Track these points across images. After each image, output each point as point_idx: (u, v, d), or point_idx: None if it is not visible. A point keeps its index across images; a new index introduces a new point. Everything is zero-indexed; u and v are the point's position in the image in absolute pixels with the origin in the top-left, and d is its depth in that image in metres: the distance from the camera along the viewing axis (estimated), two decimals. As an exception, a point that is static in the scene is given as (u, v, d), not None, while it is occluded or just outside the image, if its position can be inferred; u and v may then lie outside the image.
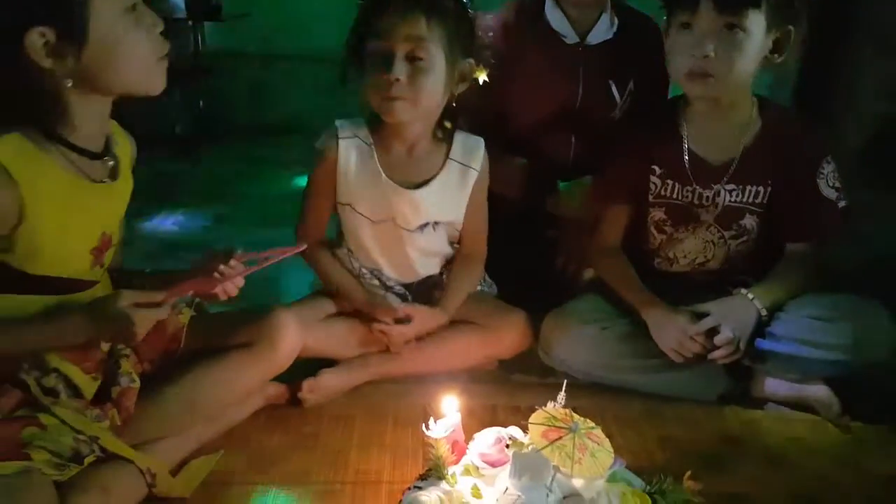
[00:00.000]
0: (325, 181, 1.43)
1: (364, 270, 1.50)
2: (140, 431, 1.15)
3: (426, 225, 1.44)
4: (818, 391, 1.40)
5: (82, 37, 0.97)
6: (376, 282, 1.50)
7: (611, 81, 1.68)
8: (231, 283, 1.13)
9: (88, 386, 1.12)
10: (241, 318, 1.31)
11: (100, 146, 1.10)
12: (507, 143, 1.71)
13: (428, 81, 1.31)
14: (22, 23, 0.94)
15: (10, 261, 1.03)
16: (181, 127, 3.50)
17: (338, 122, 1.43)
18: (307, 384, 1.37)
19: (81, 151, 1.05)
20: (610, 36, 1.68)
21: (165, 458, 1.17)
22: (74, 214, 1.06)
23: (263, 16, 3.71)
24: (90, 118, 1.05)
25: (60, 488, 1.00)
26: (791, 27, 1.33)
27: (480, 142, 1.46)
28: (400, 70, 1.29)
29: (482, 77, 1.39)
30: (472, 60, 1.37)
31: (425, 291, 1.51)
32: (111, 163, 1.11)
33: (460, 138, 1.44)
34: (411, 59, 1.29)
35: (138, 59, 1.03)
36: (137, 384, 1.16)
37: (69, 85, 1.00)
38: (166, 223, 2.48)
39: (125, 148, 1.18)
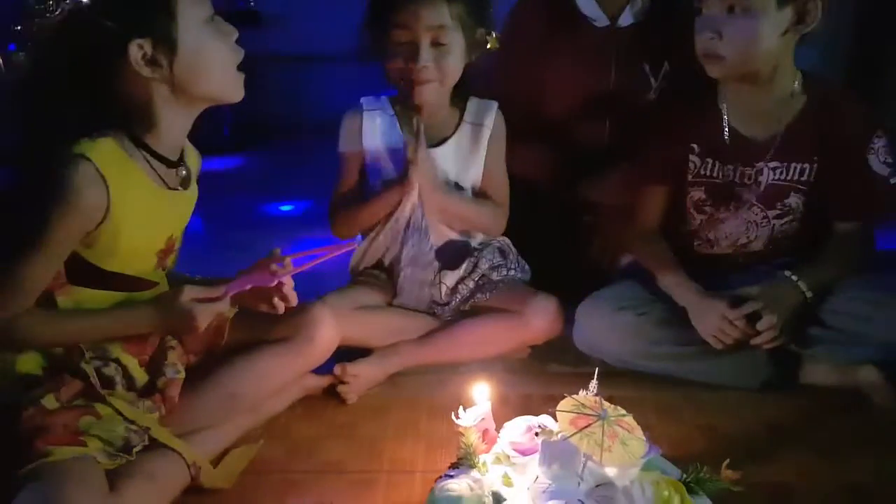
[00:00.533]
0: (352, 151, 1.48)
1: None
2: (183, 422, 1.19)
3: (446, 184, 1.46)
4: (868, 375, 1.33)
5: (174, 46, 1.05)
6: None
7: (644, 64, 1.64)
8: (289, 288, 1.17)
9: (142, 377, 1.17)
10: (279, 314, 1.34)
11: (177, 156, 1.16)
12: (541, 129, 1.70)
13: (451, 62, 1.37)
14: (124, 37, 1.02)
15: (88, 256, 1.10)
16: (228, 127, 3.59)
17: (363, 99, 1.50)
18: (339, 367, 1.39)
19: (161, 159, 1.12)
20: (641, 17, 1.64)
21: (207, 447, 1.20)
22: (149, 218, 1.12)
23: (302, 18, 3.77)
24: (174, 129, 1.13)
25: (109, 475, 1.04)
26: None
27: (493, 104, 1.50)
28: (427, 58, 1.34)
29: (494, 45, 1.46)
30: (483, 30, 1.42)
31: (453, 259, 1.51)
32: (184, 172, 1.18)
33: (474, 103, 1.49)
34: (434, 44, 1.34)
35: (221, 66, 1.11)
36: (182, 375, 1.20)
37: (168, 92, 1.08)
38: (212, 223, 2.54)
39: (193, 160, 1.24)
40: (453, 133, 1.47)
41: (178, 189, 1.17)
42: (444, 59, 1.35)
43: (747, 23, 1.27)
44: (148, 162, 1.11)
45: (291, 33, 3.83)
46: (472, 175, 1.49)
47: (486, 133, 1.47)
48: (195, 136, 1.21)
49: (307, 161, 3.23)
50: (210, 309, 1.11)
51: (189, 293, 1.10)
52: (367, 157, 1.48)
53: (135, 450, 1.07)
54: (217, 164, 3.24)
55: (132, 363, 1.16)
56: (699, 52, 1.34)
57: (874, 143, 1.36)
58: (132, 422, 1.09)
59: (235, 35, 1.12)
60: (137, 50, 1.03)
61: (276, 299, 1.17)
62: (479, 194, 1.52)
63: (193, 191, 1.23)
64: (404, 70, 1.36)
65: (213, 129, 3.51)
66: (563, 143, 1.70)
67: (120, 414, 1.08)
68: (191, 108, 1.13)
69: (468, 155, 1.47)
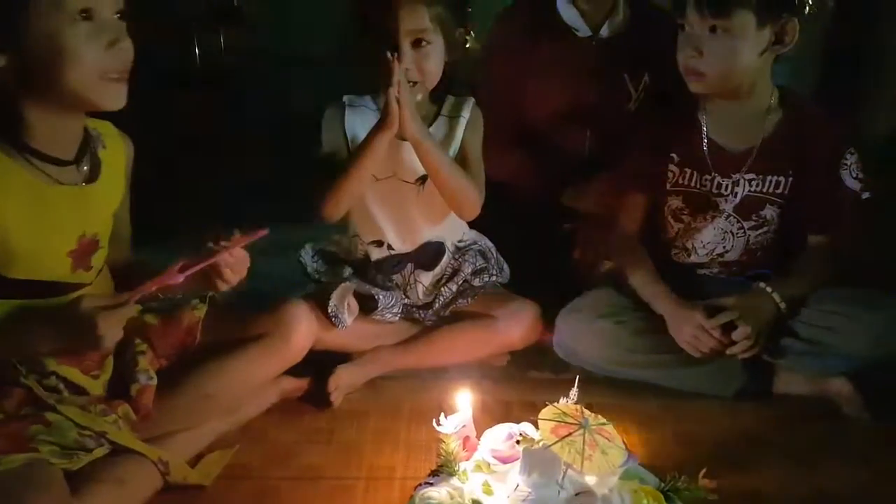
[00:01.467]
0: (337, 140, 1.44)
1: (370, 246, 1.50)
2: (156, 424, 1.17)
3: (426, 178, 1.43)
4: (840, 386, 1.36)
5: (14, 34, 0.95)
6: (381, 254, 1.50)
7: (625, 75, 1.66)
8: (227, 265, 1.08)
9: (90, 384, 1.13)
10: (253, 311, 1.33)
11: (70, 153, 1.07)
12: (522, 136, 1.71)
13: (432, 63, 1.36)
14: None
15: None
16: (211, 128, 3.55)
17: (346, 97, 1.47)
18: (332, 383, 1.38)
19: (45, 158, 1.03)
20: (623, 29, 1.66)
21: (181, 451, 1.18)
22: (44, 218, 1.04)
23: (288, 18, 3.73)
24: (52, 127, 1.03)
25: (75, 481, 1.01)
26: (793, 18, 1.30)
27: (470, 99, 1.49)
28: (408, 60, 1.33)
29: (474, 45, 1.45)
30: (462, 30, 1.41)
31: (428, 258, 1.50)
32: (85, 167, 1.09)
33: (449, 100, 1.48)
34: (415, 44, 1.33)
35: (84, 71, 0.98)
36: (155, 381, 1.18)
37: (20, 85, 0.98)
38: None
39: (116, 151, 1.16)
40: (430, 126, 1.45)
41: (79, 185, 1.08)
42: (424, 60, 1.34)
43: (728, 43, 1.30)
44: (30, 161, 1.02)
45: (276, 33, 3.80)
46: None
47: (462, 122, 1.46)
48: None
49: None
50: (113, 316, 0.99)
51: (88, 302, 0.99)
52: (348, 151, 1.44)
53: (95, 451, 1.05)
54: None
55: (72, 373, 1.10)
56: (681, 68, 1.37)
57: (847, 158, 1.40)
58: (85, 427, 1.06)
59: (122, 43, 1.00)
60: None
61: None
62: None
63: (112, 183, 1.14)
64: (385, 73, 1.31)
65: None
66: (544, 150, 1.71)
67: (70, 420, 1.05)
68: (66, 106, 1.02)
69: (443, 143, 1.45)
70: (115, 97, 1.02)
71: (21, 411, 1.04)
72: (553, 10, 1.68)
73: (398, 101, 1.28)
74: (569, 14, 1.66)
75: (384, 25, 1.31)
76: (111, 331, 1.00)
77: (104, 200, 1.14)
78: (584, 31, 1.66)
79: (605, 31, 1.66)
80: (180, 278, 1.05)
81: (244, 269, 1.12)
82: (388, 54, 1.27)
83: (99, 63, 0.99)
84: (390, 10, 1.30)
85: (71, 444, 1.03)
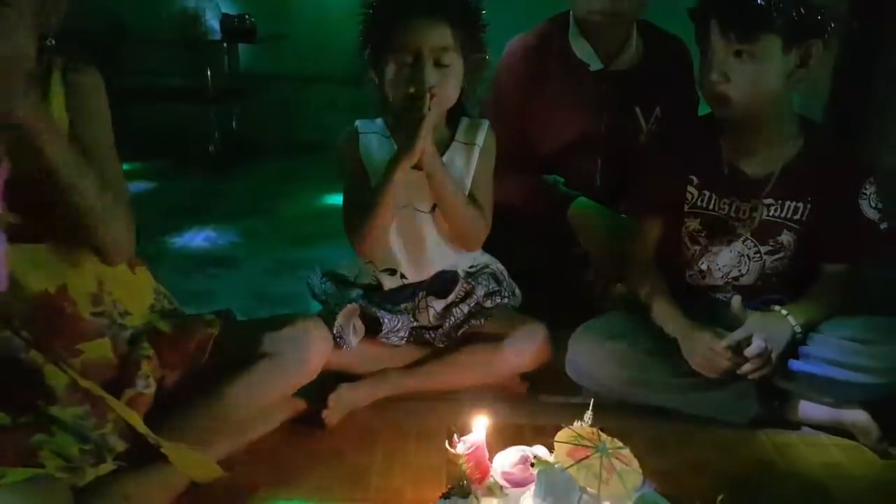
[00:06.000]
0: (356, 169, 1.44)
1: (383, 274, 1.50)
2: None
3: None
4: (856, 416, 1.34)
5: None
6: (394, 283, 1.50)
7: (637, 107, 1.67)
8: None
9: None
10: (268, 328, 1.31)
11: None
12: (534, 165, 1.72)
13: (451, 83, 1.36)
14: None
15: None
16: (214, 145, 3.58)
17: (357, 122, 1.47)
18: (331, 400, 1.36)
19: None
20: (636, 61, 1.67)
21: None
22: None
23: (299, 39, 3.78)
24: None
25: (81, 496, 1.00)
26: (817, 40, 1.29)
27: (484, 122, 1.48)
28: (431, 80, 1.32)
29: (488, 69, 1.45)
30: (480, 55, 1.40)
31: (441, 286, 1.49)
32: None
33: (465, 122, 1.47)
34: (437, 65, 1.33)
35: None
36: (152, 390, 1.15)
37: None
38: (197, 239, 2.52)
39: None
40: (444, 153, 1.44)
41: None
42: (444, 80, 1.33)
43: (754, 67, 1.29)
44: None
45: (287, 53, 3.85)
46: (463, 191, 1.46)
47: (477, 150, 1.45)
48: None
49: (300, 176, 3.21)
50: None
51: None
52: (368, 178, 1.44)
53: (100, 467, 1.03)
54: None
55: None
56: (705, 94, 1.36)
57: (866, 188, 1.39)
58: (87, 442, 1.04)
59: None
60: None
61: None
62: None
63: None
64: (405, 93, 1.32)
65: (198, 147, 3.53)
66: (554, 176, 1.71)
67: (68, 432, 1.03)
68: None
69: (458, 173, 1.44)
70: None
71: (21, 418, 1.02)
72: (565, 41, 1.68)
73: (424, 132, 1.28)
74: (581, 48, 1.67)
75: (409, 42, 1.31)
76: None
77: None
78: (595, 64, 1.67)
79: (617, 65, 1.66)
80: None
81: None
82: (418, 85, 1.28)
83: None
84: (415, 26, 1.30)
85: (74, 456, 1.02)
